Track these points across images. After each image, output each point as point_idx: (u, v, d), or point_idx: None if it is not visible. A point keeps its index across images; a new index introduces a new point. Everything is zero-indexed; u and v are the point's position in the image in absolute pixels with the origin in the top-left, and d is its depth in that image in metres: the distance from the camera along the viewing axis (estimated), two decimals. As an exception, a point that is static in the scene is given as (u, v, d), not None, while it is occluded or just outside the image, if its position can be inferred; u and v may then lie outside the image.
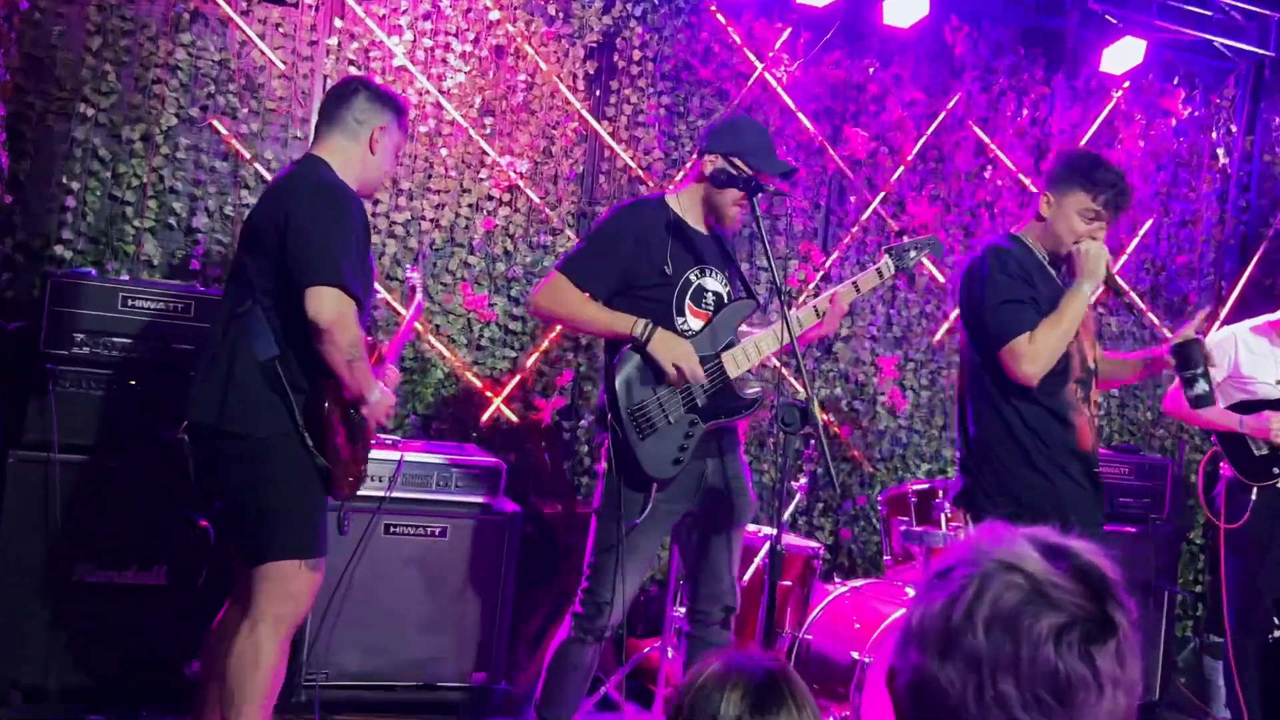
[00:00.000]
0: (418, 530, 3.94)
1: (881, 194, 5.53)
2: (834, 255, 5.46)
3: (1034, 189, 5.76)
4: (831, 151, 5.44)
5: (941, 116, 5.62)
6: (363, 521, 3.76)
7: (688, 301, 3.19)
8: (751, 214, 3.07)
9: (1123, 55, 5.64)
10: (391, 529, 3.90)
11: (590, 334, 3.51)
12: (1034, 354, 3.01)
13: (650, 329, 3.05)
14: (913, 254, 3.37)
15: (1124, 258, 5.98)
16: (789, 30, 5.34)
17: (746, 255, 5.18)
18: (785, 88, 5.35)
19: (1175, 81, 6.13)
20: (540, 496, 4.76)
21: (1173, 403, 4.32)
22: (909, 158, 5.57)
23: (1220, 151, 6.25)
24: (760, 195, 3.07)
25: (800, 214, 5.43)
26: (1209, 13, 5.84)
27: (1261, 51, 5.96)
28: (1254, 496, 4.11)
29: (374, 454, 3.78)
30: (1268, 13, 5.86)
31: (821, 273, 5.43)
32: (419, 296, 3.75)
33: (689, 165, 4.42)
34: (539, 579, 4.56)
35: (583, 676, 3.22)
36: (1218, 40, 5.87)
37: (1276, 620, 4.28)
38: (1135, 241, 6.05)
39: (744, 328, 3.33)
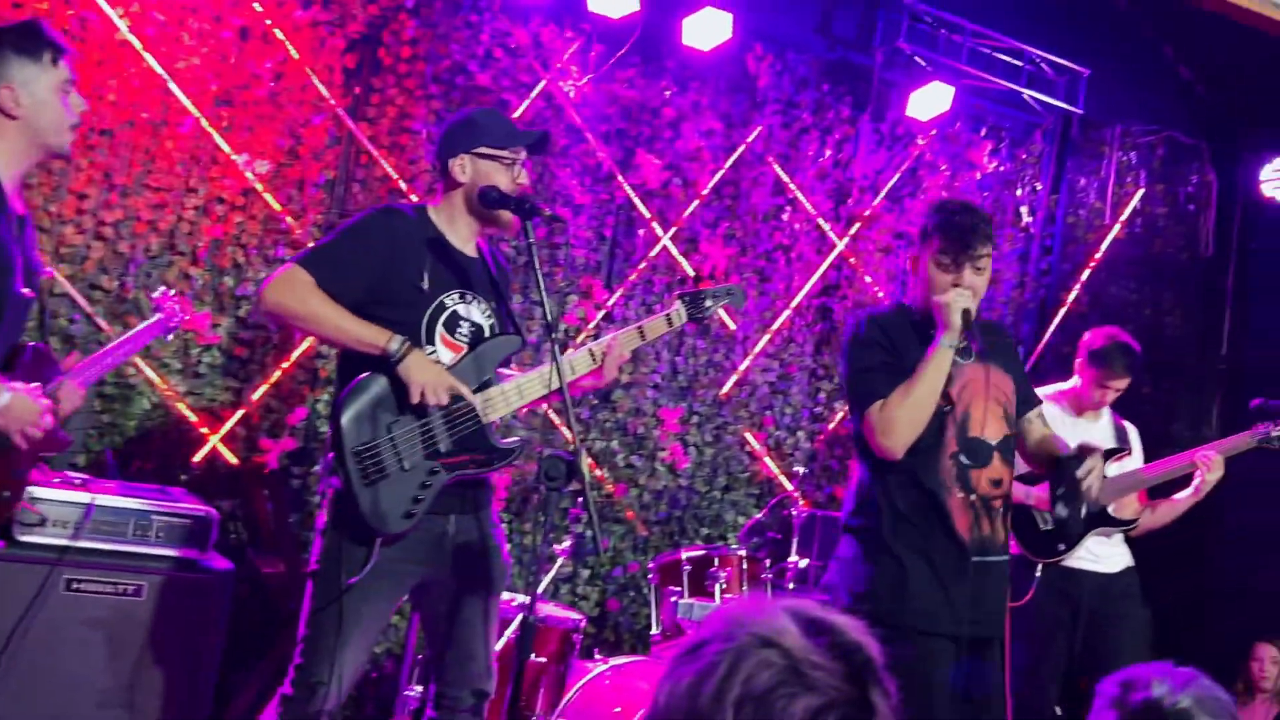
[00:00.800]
0: (107, 587, 3.75)
1: (673, 229, 5.64)
2: (618, 293, 5.53)
3: (833, 236, 6.01)
4: (621, 178, 5.52)
5: (740, 150, 5.80)
6: (38, 575, 3.59)
7: (440, 328, 3.10)
8: (525, 241, 3.05)
9: (930, 101, 5.96)
10: (74, 585, 3.70)
11: (330, 342, 3.34)
12: (884, 424, 3.04)
13: (407, 346, 2.93)
14: (709, 304, 3.39)
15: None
16: (580, 41, 5.41)
17: (520, 287, 5.17)
18: (573, 104, 5.40)
19: (983, 133, 6.53)
20: (259, 553, 4.64)
21: None
22: (704, 192, 5.71)
23: (1024, 210, 6.68)
24: (537, 220, 3.06)
25: (583, 244, 5.47)
26: (1020, 64, 6.25)
27: (1070, 108, 6.41)
28: (1039, 574, 4.28)
29: (56, 495, 3.67)
30: (1078, 68, 6.32)
31: (603, 311, 5.48)
32: (157, 317, 3.67)
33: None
34: (253, 649, 4.43)
35: None
36: (1027, 93, 6.29)
37: (1059, 711, 4.52)
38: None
39: (510, 369, 3.28)
